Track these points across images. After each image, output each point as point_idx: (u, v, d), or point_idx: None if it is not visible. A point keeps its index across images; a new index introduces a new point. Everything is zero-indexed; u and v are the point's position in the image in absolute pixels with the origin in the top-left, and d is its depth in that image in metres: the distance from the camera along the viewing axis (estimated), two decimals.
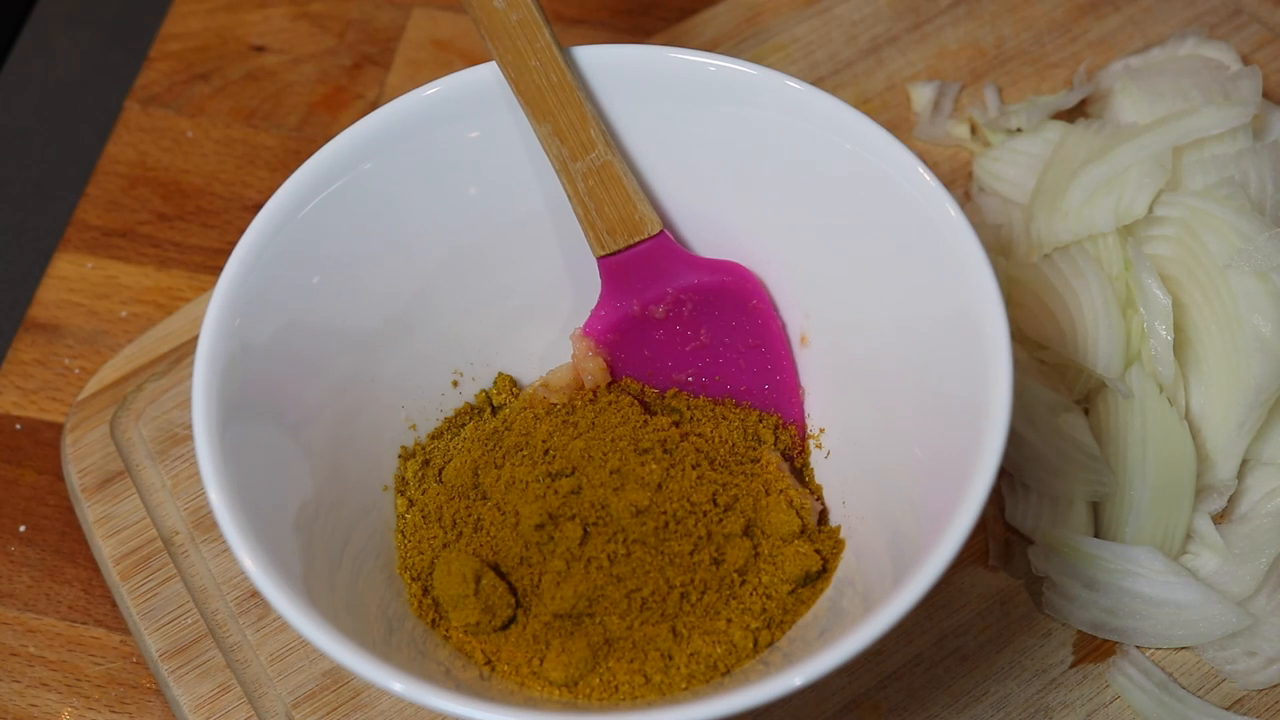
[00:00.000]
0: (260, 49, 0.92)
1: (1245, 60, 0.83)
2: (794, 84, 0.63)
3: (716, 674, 0.58)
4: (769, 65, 0.65)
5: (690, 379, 0.68)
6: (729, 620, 0.59)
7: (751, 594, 0.60)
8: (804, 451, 0.67)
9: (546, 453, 0.63)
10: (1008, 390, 0.55)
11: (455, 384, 0.69)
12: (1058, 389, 0.71)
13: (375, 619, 0.59)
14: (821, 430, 0.67)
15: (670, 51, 0.64)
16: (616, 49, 0.65)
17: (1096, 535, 0.68)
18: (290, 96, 0.90)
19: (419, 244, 0.66)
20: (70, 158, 0.88)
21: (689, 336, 0.68)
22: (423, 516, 0.63)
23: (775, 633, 0.59)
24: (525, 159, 0.66)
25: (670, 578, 0.59)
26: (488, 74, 0.64)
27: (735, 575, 0.60)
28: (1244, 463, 0.69)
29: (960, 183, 0.81)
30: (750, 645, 0.59)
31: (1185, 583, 0.65)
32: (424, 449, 0.67)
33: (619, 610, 0.59)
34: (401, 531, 0.64)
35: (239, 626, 0.68)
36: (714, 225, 0.68)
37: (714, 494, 0.61)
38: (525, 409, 0.66)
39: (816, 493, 0.66)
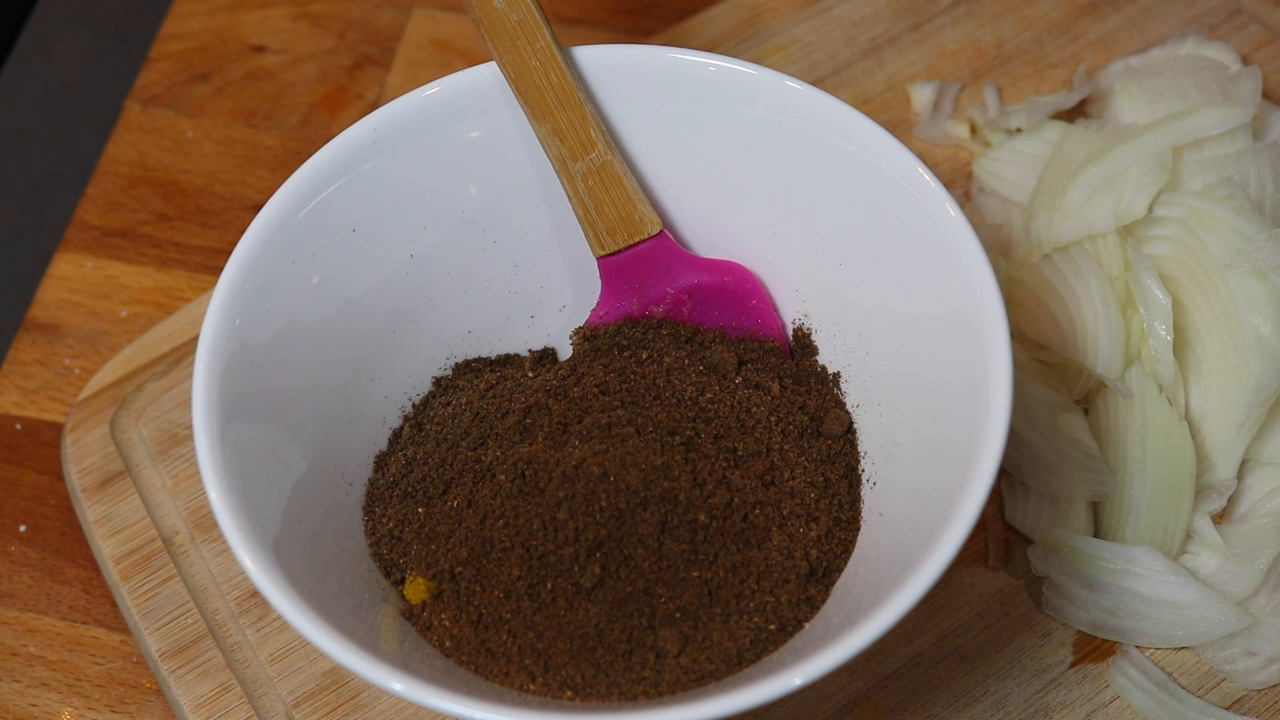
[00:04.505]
0: (260, 49, 0.92)
1: (1245, 60, 0.83)
2: (794, 84, 0.63)
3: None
4: (769, 65, 0.65)
5: None
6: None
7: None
8: None
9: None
10: (1007, 390, 0.55)
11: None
12: (1058, 389, 0.71)
13: (376, 619, 0.59)
14: None
15: (670, 51, 0.64)
16: (616, 49, 0.65)
17: (1096, 535, 0.68)
18: (290, 96, 0.90)
19: (419, 244, 0.66)
20: (70, 158, 0.88)
21: None
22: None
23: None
24: (525, 159, 0.66)
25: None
26: (488, 74, 0.64)
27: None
28: (1244, 463, 0.69)
29: (960, 183, 0.81)
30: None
31: (1185, 582, 0.65)
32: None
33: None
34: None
35: (239, 626, 0.68)
36: (714, 225, 0.68)
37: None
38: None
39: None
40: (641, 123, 0.66)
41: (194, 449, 0.66)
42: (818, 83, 0.82)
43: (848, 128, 0.62)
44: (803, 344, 0.68)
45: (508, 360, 0.69)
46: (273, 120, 0.89)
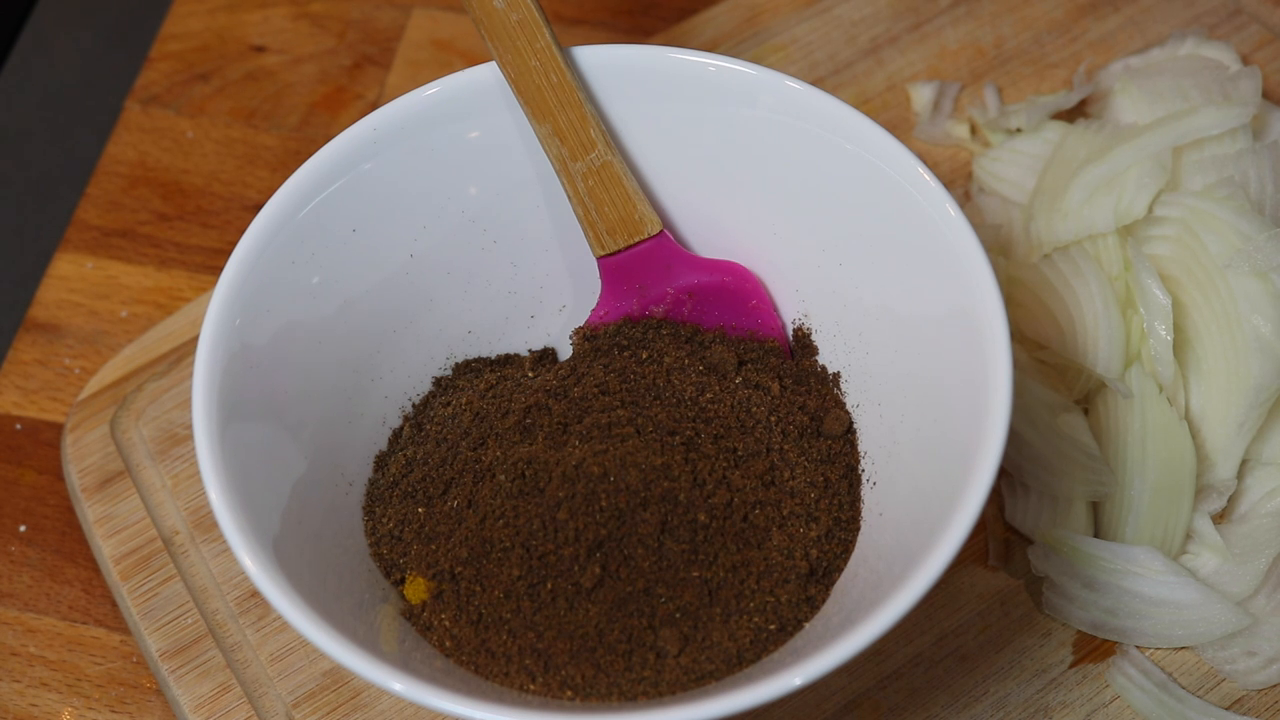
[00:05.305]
0: (260, 49, 0.92)
1: (1245, 60, 0.83)
2: (794, 84, 0.63)
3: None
4: (769, 65, 0.65)
5: None
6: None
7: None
8: None
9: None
10: (1007, 390, 0.55)
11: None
12: (1058, 389, 0.71)
13: (376, 619, 0.59)
14: None
15: (670, 51, 0.64)
16: (616, 49, 0.65)
17: (1096, 535, 0.68)
18: (290, 96, 0.90)
19: (419, 244, 0.66)
20: (70, 158, 0.88)
21: None
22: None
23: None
24: (525, 159, 0.66)
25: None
26: (488, 74, 0.64)
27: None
28: (1244, 463, 0.69)
29: (960, 183, 0.81)
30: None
31: (1185, 582, 0.65)
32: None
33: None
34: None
35: (239, 626, 0.68)
36: (714, 225, 0.68)
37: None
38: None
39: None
40: (641, 123, 0.66)
41: (194, 449, 0.66)
42: (818, 83, 0.82)
43: (848, 128, 0.62)
44: (803, 344, 0.68)
45: (508, 360, 0.69)
46: (273, 120, 0.89)
